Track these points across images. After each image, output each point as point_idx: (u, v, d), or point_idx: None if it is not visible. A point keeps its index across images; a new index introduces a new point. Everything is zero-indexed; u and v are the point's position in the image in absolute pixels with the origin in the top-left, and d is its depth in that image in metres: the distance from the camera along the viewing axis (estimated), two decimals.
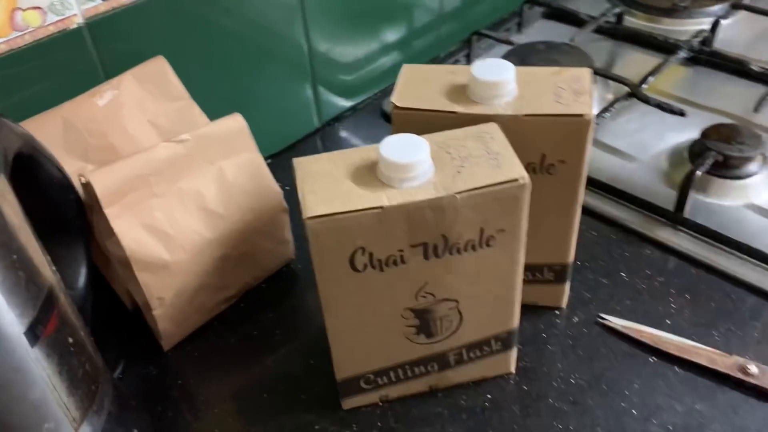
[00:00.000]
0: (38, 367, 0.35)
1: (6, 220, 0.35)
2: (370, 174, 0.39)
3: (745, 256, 0.54)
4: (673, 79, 0.75)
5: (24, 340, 0.34)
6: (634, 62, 0.78)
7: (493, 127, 0.41)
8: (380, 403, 0.47)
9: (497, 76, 0.43)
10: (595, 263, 0.56)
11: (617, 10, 0.81)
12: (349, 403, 0.47)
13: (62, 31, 0.51)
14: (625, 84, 0.67)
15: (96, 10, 0.53)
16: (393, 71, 0.48)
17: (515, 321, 0.45)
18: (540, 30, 0.86)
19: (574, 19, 0.84)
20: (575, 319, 0.52)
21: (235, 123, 0.52)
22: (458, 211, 0.38)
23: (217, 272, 0.51)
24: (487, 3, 0.86)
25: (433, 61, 0.83)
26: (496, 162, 0.39)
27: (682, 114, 0.63)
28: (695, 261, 0.55)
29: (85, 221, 0.48)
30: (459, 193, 0.37)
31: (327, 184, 0.38)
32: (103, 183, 0.46)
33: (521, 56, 0.74)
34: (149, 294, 0.48)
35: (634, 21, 0.85)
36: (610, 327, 0.51)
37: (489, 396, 0.47)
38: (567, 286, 0.52)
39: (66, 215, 0.47)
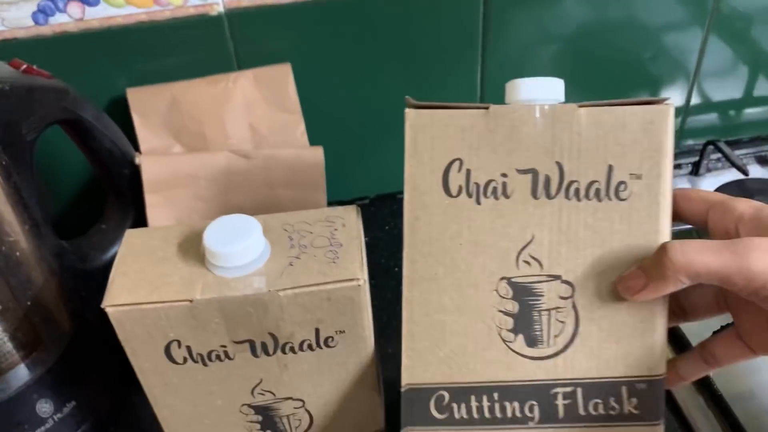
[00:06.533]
0: None
1: None
2: (198, 256, 0.35)
3: None
4: None
5: None
6: None
7: (350, 211, 0.37)
8: None
9: None
10: None
11: None
12: None
13: (202, 16, 0.51)
14: None
15: (239, 2, 0.52)
16: None
17: (380, 423, 0.40)
18: None
19: None
20: None
21: (311, 156, 0.50)
22: (283, 309, 0.33)
23: None
24: None
25: None
26: (334, 255, 0.34)
27: None
28: None
29: (138, 196, 0.48)
30: (283, 290, 0.33)
31: (143, 265, 0.34)
32: (153, 170, 0.46)
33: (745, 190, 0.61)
34: None
35: None
36: None
37: None
38: None
39: (119, 185, 0.48)
